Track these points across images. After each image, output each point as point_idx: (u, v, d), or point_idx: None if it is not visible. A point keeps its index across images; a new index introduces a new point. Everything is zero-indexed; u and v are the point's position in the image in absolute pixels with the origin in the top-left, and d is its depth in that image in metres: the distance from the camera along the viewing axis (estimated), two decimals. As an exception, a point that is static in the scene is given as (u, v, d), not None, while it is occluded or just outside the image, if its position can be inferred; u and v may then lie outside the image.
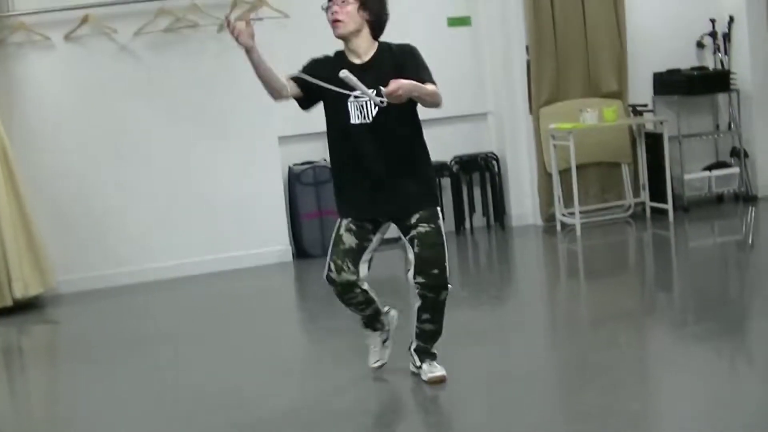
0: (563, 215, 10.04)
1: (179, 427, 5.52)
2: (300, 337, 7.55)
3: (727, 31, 10.65)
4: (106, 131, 9.23)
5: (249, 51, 5.41)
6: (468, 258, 9.27)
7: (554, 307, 7.66)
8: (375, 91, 5.28)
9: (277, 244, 9.66)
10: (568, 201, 9.98)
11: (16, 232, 8.59)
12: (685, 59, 10.64)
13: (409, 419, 5.45)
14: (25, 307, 8.59)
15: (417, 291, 5.52)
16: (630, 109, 10.38)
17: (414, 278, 5.48)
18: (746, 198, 10.57)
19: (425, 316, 5.60)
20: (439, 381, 5.68)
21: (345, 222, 5.59)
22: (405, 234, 5.55)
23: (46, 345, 8.07)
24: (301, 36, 9.57)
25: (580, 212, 9.80)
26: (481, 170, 10.36)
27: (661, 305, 7.46)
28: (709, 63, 10.73)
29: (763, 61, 10.57)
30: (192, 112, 9.39)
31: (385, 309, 5.92)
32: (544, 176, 10.22)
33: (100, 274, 9.18)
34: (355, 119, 5.45)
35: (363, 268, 5.61)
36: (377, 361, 5.96)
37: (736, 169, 10.57)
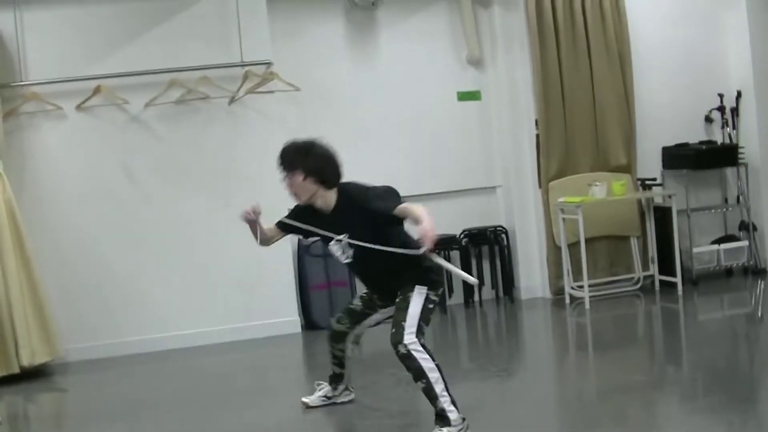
0: (572, 288, 10.04)
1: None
2: (308, 411, 7.50)
3: (735, 105, 10.72)
4: (115, 201, 9.27)
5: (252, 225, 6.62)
6: (477, 331, 9.25)
7: (562, 380, 7.62)
8: (347, 234, 6.17)
9: (286, 315, 9.65)
10: (577, 274, 9.98)
11: (24, 299, 8.60)
12: (694, 133, 10.70)
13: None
14: (32, 374, 8.57)
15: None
16: (639, 182, 10.42)
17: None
18: (755, 271, 10.57)
19: (410, 375, 6.08)
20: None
21: (363, 293, 6.71)
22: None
23: (52, 413, 8.04)
24: (312, 108, 9.69)
25: (589, 285, 9.80)
26: (490, 243, 10.38)
27: (670, 378, 7.42)
28: (718, 137, 10.79)
29: (771, 136, 10.62)
30: (202, 182, 9.43)
31: (344, 388, 7.04)
32: (553, 249, 10.23)
33: (108, 343, 9.18)
34: (341, 259, 6.34)
35: (360, 329, 6.78)
36: (308, 400, 7.09)
37: (744, 243, 10.58)
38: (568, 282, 10.05)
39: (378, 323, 6.73)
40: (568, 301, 9.97)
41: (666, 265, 10.15)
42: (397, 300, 6.16)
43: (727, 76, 10.82)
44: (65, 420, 7.79)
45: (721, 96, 10.71)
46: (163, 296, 9.36)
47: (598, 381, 7.50)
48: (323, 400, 7.04)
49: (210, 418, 7.06)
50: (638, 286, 10.36)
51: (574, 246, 9.97)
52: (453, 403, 5.97)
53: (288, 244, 9.62)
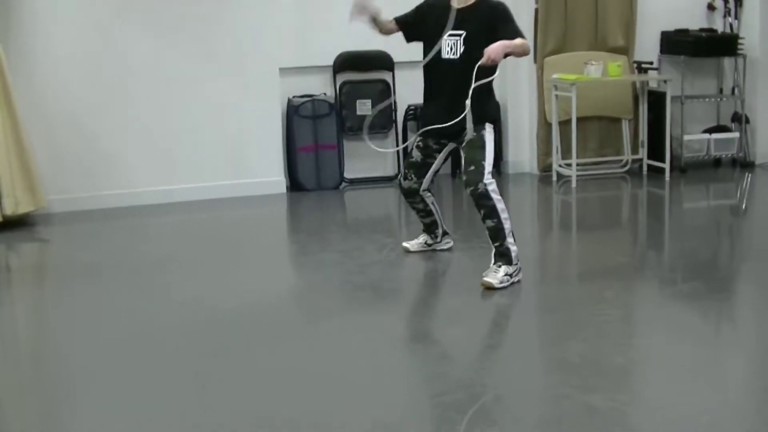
0: (560, 166, 10.02)
1: (156, 349, 5.53)
2: (289, 268, 7.54)
3: (739, -6, 10.60)
4: (104, 55, 9.12)
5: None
6: (462, 203, 9.24)
7: (544, 257, 7.64)
8: (463, 34, 6.48)
9: (272, 175, 9.63)
10: (566, 152, 9.96)
11: (8, 150, 8.51)
12: (695, 20, 10.58)
13: (395, 353, 5.44)
14: (15, 224, 8.53)
15: (465, 191, 6.51)
16: (635, 65, 10.34)
17: (462, 175, 6.62)
18: (744, 163, 10.55)
19: (480, 213, 6.47)
20: (487, 287, 6.37)
21: (417, 140, 6.87)
22: (460, 146, 6.62)
23: (34, 263, 8.03)
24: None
25: (578, 164, 9.78)
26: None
27: (650, 263, 7.45)
28: (719, 26, 10.67)
29: (773, 28, 10.52)
30: (193, 40, 9.30)
31: (443, 233, 7.31)
32: (544, 126, 10.19)
33: (92, 195, 9.13)
34: (446, 53, 6.55)
35: (427, 180, 6.94)
36: (405, 244, 7.35)
37: (735, 134, 10.55)
38: (556, 160, 10.03)
39: (438, 171, 7.01)
40: (555, 178, 9.97)
41: (655, 150, 10.13)
42: (472, 137, 6.44)
43: (734, -37, 10.68)
44: (46, 270, 7.79)
45: (725, -17, 10.59)
46: (149, 151, 9.29)
47: (579, 260, 7.53)
48: (423, 246, 7.33)
49: (191, 274, 7.09)
50: (626, 169, 10.36)
51: (565, 124, 9.93)
52: (515, 244, 6.48)
53: (277, 104, 9.56)
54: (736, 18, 10.60)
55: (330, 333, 5.74)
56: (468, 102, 6.30)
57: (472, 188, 6.38)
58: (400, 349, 5.50)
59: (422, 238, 7.32)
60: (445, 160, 6.98)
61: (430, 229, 7.27)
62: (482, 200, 6.38)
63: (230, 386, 4.92)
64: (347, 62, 9.90)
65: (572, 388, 4.73)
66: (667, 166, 9.92)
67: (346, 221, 9.08)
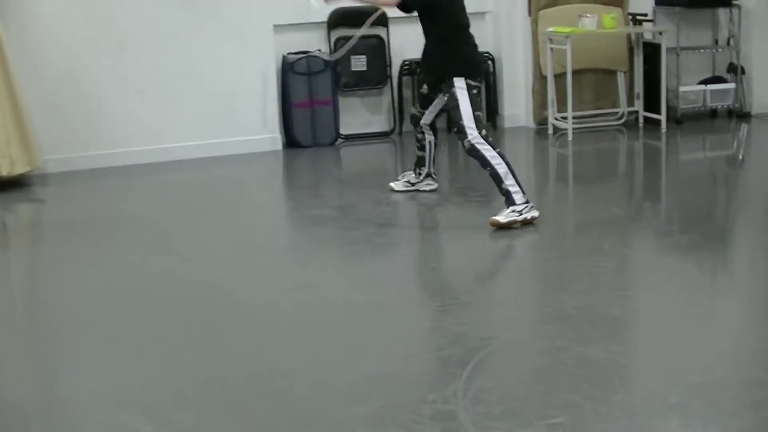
0: (556, 119, 10.01)
1: (148, 302, 5.56)
2: (285, 224, 7.56)
3: (735, -56, 10.54)
4: (96, 14, 9.06)
5: None
6: (457, 156, 9.23)
7: (540, 210, 7.63)
8: None
9: (268, 132, 9.62)
10: (561, 105, 9.95)
11: (3, 111, 8.48)
12: (690, -30, 10.53)
13: (392, 307, 5.45)
14: (11, 184, 8.51)
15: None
16: (630, 17, 10.30)
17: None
18: (740, 114, 10.54)
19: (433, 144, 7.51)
20: (492, 224, 6.62)
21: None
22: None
23: (29, 223, 8.05)
24: None
25: (573, 117, 9.77)
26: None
27: (647, 214, 7.47)
28: (714, -25, 10.62)
29: (768, -23, 10.48)
30: (188, -3, 9.29)
31: (428, 172, 7.64)
32: (539, 79, 10.17)
33: (88, 155, 9.11)
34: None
35: (428, 116, 7.36)
36: (393, 184, 7.76)
37: (731, 85, 10.52)
38: (552, 113, 10.01)
39: (441, 111, 7.30)
40: (551, 131, 9.96)
41: (651, 102, 10.11)
42: (445, 98, 6.85)
43: None
44: (42, 229, 7.81)
45: (721, -68, 10.52)
46: (144, 109, 9.26)
47: (575, 212, 7.54)
48: (407, 185, 7.72)
49: (185, 231, 7.11)
50: (622, 121, 10.34)
51: (560, 77, 9.90)
52: (518, 184, 6.68)
53: (272, 60, 9.53)
54: (731, -32, 10.55)
55: (325, 287, 5.76)
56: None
57: (463, 146, 6.78)
58: (396, 303, 5.52)
59: (407, 176, 7.75)
60: None
61: (418, 164, 7.66)
62: (472, 154, 6.73)
63: (222, 338, 4.96)
64: (342, 18, 9.86)
65: (568, 339, 4.74)
66: (663, 117, 9.91)
67: (342, 177, 9.08)
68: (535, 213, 6.72)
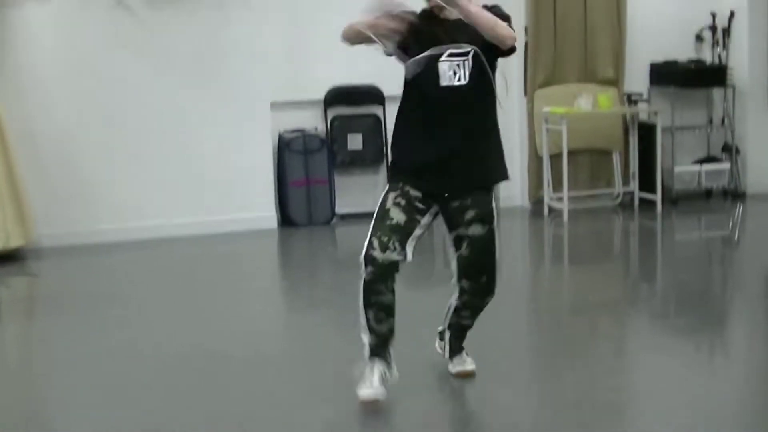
0: (551, 199, 10.02)
1: (143, 384, 5.51)
2: (279, 305, 7.52)
3: (727, 25, 10.61)
4: (96, 86, 9.14)
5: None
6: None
7: (536, 291, 7.64)
8: (471, 52, 4.76)
9: (263, 210, 9.61)
10: (557, 185, 9.96)
11: (0, 184, 8.51)
12: (683, 51, 10.61)
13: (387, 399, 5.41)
14: (5, 258, 8.51)
15: (459, 295, 5.16)
16: (625, 97, 10.37)
17: (459, 281, 5.09)
18: (735, 194, 10.56)
19: (464, 313, 5.24)
20: (468, 375, 5.33)
21: (392, 195, 4.90)
22: (453, 227, 4.97)
23: (23, 297, 8.02)
24: (301, 4, 9.53)
25: (569, 197, 9.77)
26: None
27: (643, 296, 7.45)
28: (707, 57, 10.70)
29: (761, 58, 10.56)
30: (185, 72, 9.32)
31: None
32: (535, 159, 10.20)
33: (83, 230, 9.10)
34: (450, 79, 4.79)
35: (409, 252, 4.88)
36: (369, 393, 4.96)
37: (726, 165, 10.56)
38: (547, 193, 10.02)
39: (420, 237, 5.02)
40: (546, 211, 9.96)
41: (646, 182, 10.14)
42: (480, 210, 4.94)
43: (722, -6, 10.73)
44: (35, 304, 7.77)
45: (713, 15, 10.60)
46: (140, 185, 9.28)
47: (570, 294, 7.51)
48: (381, 384, 5.02)
49: (178, 309, 7.07)
50: (617, 201, 10.36)
51: (555, 157, 9.93)
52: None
53: (269, 138, 9.56)
54: (724, 48, 10.63)
55: (315, 370, 5.70)
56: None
57: (477, 300, 5.19)
58: (394, 387, 5.47)
59: (376, 371, 5.02)
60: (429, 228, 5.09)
61: (385, 342, 5.05)
62: (482, 310, 5.30)
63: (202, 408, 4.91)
64: (338, 97, 9.91)
65: (565, 423, 4.70)
66: (658, 197, 9.92)
67: (337, 257, 9.06)
68: None
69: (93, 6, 9.08)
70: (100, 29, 9.13)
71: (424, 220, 4.94)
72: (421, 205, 4.90)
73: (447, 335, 5.39)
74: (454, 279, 5.10)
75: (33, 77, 8.98)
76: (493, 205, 5.01)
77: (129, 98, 9.22)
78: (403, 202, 4.89)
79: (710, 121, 10.85)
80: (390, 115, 9.92)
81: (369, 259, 4.81)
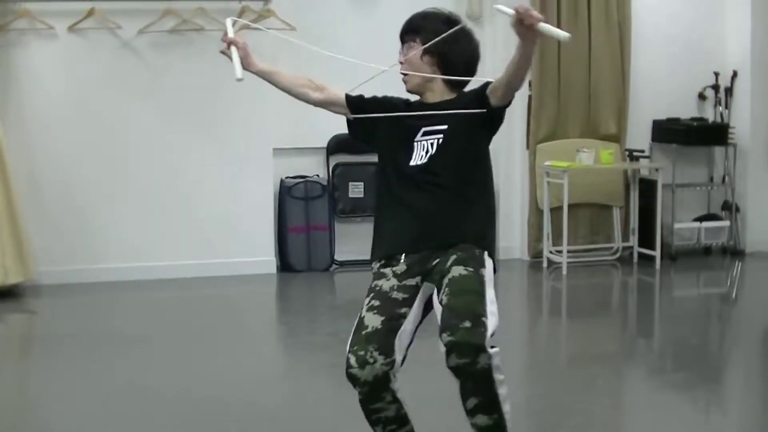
0: (551, 252, 10.02)
1: (138, 427, 5.49)
2: (278, 350, 7.50)
3: (729, 85, 10.68)
4: (100, 127, 9.19)
5: (247, 66, 4.93)
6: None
7: (533, 344, 7.63)
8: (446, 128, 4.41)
9: (263, 255, 9.62)
10: (556, 239, 9.97)
11: (1, 220, 8.53)
12: (686, 109, 10.67)
13: None
14: (4, 294, 8.51)
15: (448, 364, 4.02)
16: (627, 153, 10.40)
17: (441, 339, 4.01)
18: (734, 252, 10.57)
19: (471, 401, 4.11)
20: None
21: (366, 302, 4.27)
22: (439, 288, 4.22)
23: (20, 334, 8.01)
24: (305, 50, 9.55)
25: (568, 251, 9.78)
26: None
27: (641, 351, 7.44)
28: (709, 115, 10.75)
29: (763, 118, 10.60)
30: (189, 115, 9.36)
31: None
32: (535, 212, 10.21)
33: (83, 268, 9.12)
34: (414, 158, 4.43)
35: (398, 354, 4.16)
36: None
37: (726, 223, 10.59)
38: (547, 246, 10.03)
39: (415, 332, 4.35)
40: (545, 265, 9.96)
41: (646, 237, 10.15)
42: (461, 273, 4.17)
43: (725, 54, 10.78)
44: (32, 342, 7.76)
45: (716, 74, 10.67)
46: (141, 226, 9.30)
47: (568, 348, 7.51)
48: None
49: (174, 352, 7.05)
50: (617, 256, 10.36)
51: (556, 210, 9.95)
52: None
53: (270, 184, 9.58)
54: (726, 107, 10.69)
55: (314, 420, 5.68)
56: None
57: (465, 360, 3.97)
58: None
59: None
60: (424, 314, 4.39)
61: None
62: (480, 381, 4.06)
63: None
64: (340, 144, 9.94)
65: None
66: (657, 253, 9.93)
67: (336, 303, 9.05)
68: None
69: (98, 47, 9.15)
70: (104, 71, 9.19)
71: (413, 309, 4.27)
72: (401, 295, 4.26)
73: None
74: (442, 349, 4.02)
75: (36, 116, 9.03)
76: (481, 256, 4.30)
77: (132, 139, 9.26)
78: (377, 303, 4.23)
79: (711, 179, 10.89)
80: (392, 164, 9.95)
81: (351, 379, 4.13)
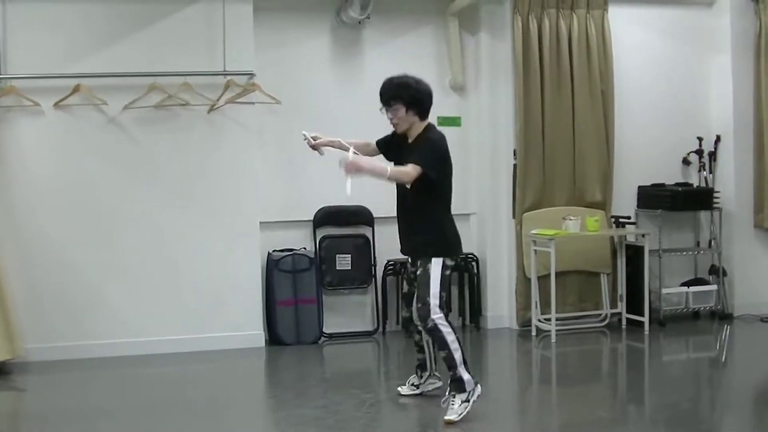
0: (539, 321, 10.02)
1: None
2: (266, 423, 7.46)
3: (713, 149, 10.75)
4: (87, 203, 9.21)
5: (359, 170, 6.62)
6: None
7: (523, 412, 7.59)
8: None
9: (251, 328, 9.59)
10: (544, 307, 9.97)
11: (-13, 296, 8.53)
12: (671, 175, 10.74)
13: None
14: (-10, 372, 8.49)
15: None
16: (613, 220, 10.43)
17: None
18: (722, 316, 10.59)
19: (435, 346, 7.08)
20: (448, 424, 6.71)
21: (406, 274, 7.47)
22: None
23: (7, 412, 7.95)
24: (291, 122, 9.62)
25: (557, 319, 9.77)
26: (460, 270, 10.33)
27: (632, 417, 7.40)
28: (694, 180, 10.82)
29: (747, 182, 10.68)
30: (175, 190, 9.39)
31: (429, 375, 7.52)
32: (523, 280, 10.21)
33: (70, 345, 9.09)
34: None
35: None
36: (400, 389, 7.62)
37: (713, 287, 10.61)
38: (535, 314, 10.03)
39: None
40: (534, 333, 9.95)
41: (634, 303, 10.16)
42: (419, 273, 6.92)
43: (708, 120, 10.87)
44: (20, 420, 7.70)
45: (700, 139, 10.76)
46: (128, 301, 9.29)
47: (560, 415, 7.46)
48: (412, 389, 7.56)
49: (164, 428, 7.00)
50: (605, 323, 10.35)
51: (543, 279, 9.96)
52: (467, 370, 6.89)
53: (258, 257, 9.58)
54: (710, 172, 10.76)
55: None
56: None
57: (422, 324, 6.95)
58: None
59: (411, 379, 7.60)
60: None
61: (419, 367, 7.52)
62: (432, 333, 6.90)
63: None
64: (327, 217, 9.96)
65: None
66: (646, 319, 9.94)
67: (325, 376, 9.01)
68: (479, 390, 6.96)
69: (84, 123, 9.20)
70: (91, 147, 9.23)
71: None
72: (412, 275, 7.20)
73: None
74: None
75: (23, 192, 9.05)
76: (429, 259, 6.89)
77: (118, 215, 9.28)
78: (406, 278, 7.49)
79: (697, 243, 10.93)
80: (379, 236, 9.98)
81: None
